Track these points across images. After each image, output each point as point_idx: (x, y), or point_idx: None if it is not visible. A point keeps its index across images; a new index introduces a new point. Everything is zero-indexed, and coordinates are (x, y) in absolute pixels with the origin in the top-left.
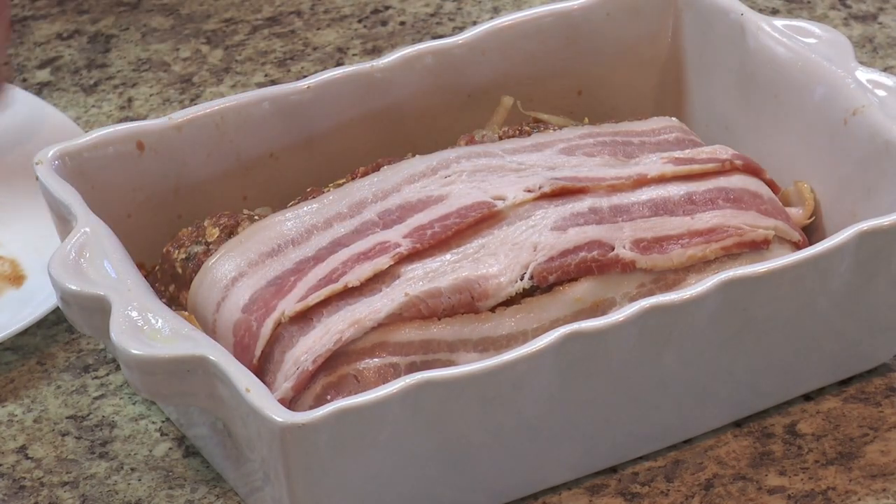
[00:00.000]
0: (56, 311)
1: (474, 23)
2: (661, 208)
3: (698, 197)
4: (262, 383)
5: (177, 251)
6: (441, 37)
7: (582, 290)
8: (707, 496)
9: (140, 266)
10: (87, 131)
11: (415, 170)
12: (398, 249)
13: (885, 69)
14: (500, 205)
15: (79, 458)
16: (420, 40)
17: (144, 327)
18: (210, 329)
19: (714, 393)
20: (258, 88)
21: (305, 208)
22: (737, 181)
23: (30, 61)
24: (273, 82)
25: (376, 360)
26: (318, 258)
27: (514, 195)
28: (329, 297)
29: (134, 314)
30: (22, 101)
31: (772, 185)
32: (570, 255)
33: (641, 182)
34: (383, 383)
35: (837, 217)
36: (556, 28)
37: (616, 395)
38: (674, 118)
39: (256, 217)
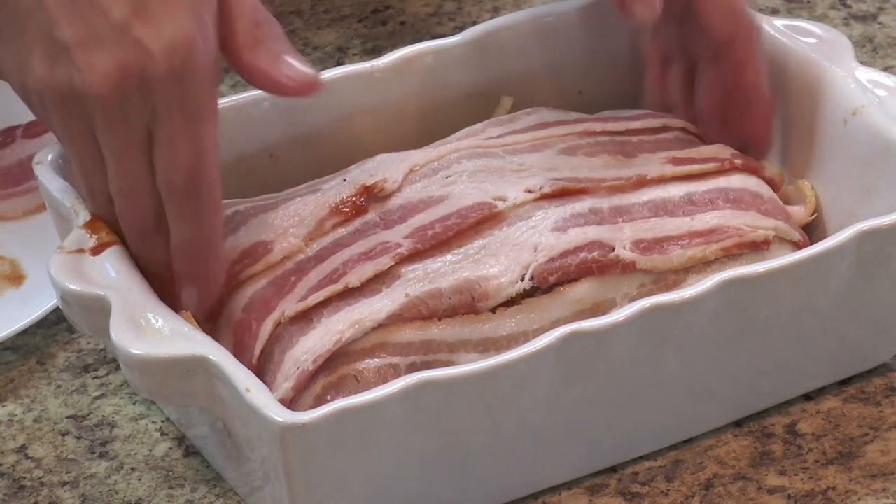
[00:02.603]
0: (56, 311)
1: (474, 23)
2: (661, 209)
3: (698, 197)
4: (262, 383)
5: None
6: (441, 37)
7: (582, 290)
8: (707, 496)
9: None
10: None
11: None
12: (399, 250)
13: (885, 69)
14: (500, 205)
15: (79, 458)
16: (420, 40)
17: (144, 327)
18: (210, 329)
19: (714, 393)
20: None
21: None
22: (737, 181)
23: None
24: None
25: (376, 360)
26: (319, 258)
27: (515, 196)
28: (329, 298)
29: (134, 314)
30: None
31: (772, 183)
32: (570, 255)
33: (641, 182)
34: (383, 383)
35: (837, 217)
36: (556, 28)
37: (616, 395)
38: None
39: None
